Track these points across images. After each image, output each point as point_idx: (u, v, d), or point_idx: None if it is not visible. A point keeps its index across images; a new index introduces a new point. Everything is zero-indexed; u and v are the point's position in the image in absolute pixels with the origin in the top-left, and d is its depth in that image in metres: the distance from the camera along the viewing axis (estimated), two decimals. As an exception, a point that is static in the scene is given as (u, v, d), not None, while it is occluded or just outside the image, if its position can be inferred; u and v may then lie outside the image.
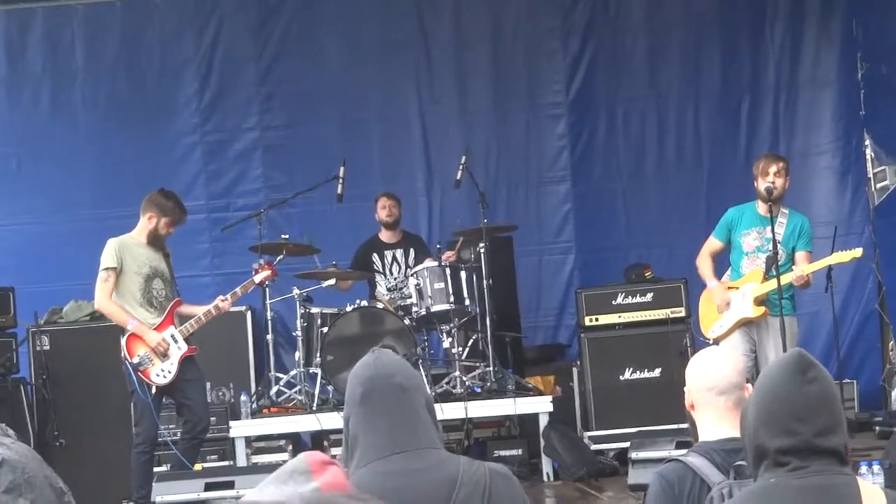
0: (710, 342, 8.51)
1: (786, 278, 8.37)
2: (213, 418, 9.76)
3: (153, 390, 8.42)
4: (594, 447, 9.81)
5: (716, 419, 3.82)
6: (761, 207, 8.65)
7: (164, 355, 8.43)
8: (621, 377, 10.29)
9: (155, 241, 8.63)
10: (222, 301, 8.75)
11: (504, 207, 11.94)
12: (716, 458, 3.65)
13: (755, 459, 2.90)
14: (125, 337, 8.44)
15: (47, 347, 10.14)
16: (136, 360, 8.39)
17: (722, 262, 8.99)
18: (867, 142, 11.90)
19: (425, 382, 3.23)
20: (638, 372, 10.24)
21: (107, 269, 8.45)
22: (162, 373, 8.44)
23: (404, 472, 3.01)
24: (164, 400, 8.69)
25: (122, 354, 8.43)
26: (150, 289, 8.55)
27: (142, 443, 8.43)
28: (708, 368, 3.86)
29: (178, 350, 8.51)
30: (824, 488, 2.81)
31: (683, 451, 3.90)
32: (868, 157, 11.93)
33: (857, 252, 8.68)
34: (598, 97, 12.15)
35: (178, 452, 8.48)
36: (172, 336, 8.51)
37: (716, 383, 3.80)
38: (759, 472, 2.89)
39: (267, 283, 9.30)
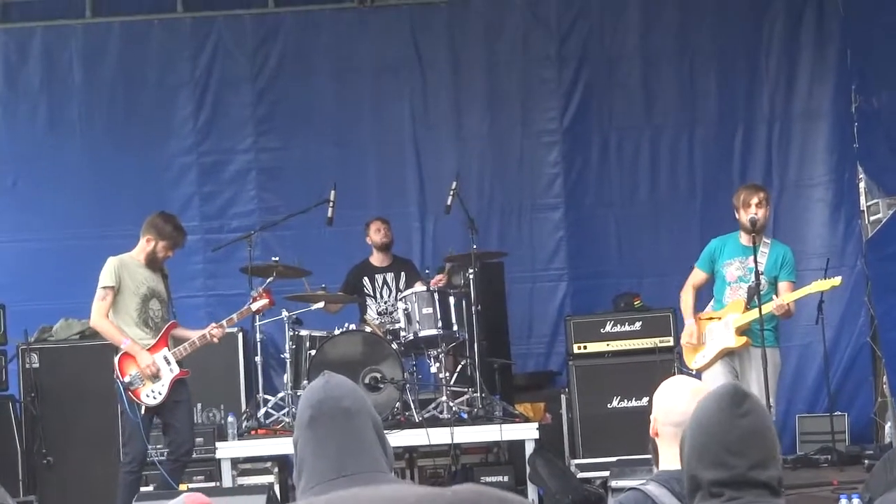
0: (694, 373, 8.53)
1: (767, 308, 8.38)
2: (200, 439, 9.78)
3: (143, 410, 8.44)
4: (581, 475, 9.78)
5: (677, 451, 3.82)
6: (744, 238, 8.67)
7: (154, 377, 8.45)
8: (609, 405, 10.28)
9: (153, 262, 8.68)
10: (217, 327, 8.79)
11: (497, 233, 11.96)
12: (675, 487, 3.65)
13: (690, 491, 2.92)
14: (118, 356, 8.47)
15: (37, 365, 10.17)
16: (127, 379, 8.42)
17: (707, 293, 9.01)
18: (860, 174, 11.91)
19: (372, 406, 3.22)
20: (626, 400, 10.24)
21: (105, 287, 8.50)
22: (152, 394, 8.47)
23: (347, 497, 3.02)
24: (153, 420, 8.70)
25: (115, 373, 8.45)
26: (146, 309, 8.59)
27: (130, 461, 8.45)
28: (675, 403, 3.85)
29: (171, 372, 8.54)
30: (758, 519, 2.82)
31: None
32: (861, 189, 11.95)
33: (836, 281, 8.72)
34: (592, 125, 12.17)
35: (164, 472, 8.49)
36: (165, 358, 8.54)
37: (682, 419, 3.78)
38: (694, 502, 2.90)
39: (263, 311, 9.34)
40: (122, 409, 8.52)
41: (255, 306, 9.10)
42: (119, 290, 8.51)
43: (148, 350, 8.50)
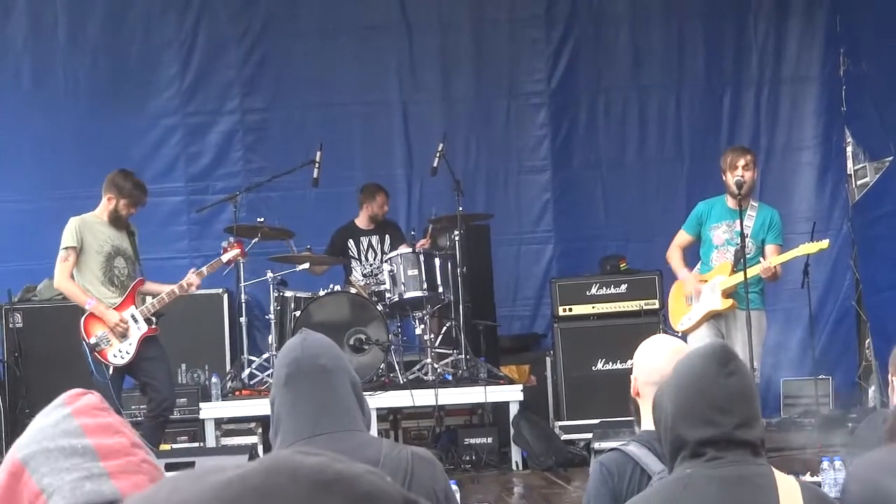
0: (680, 335, 8.52)
1: (753, 271, 8.37)
2: (183, 399, 9.79)
3: (111, 371, 8.39)
4: (565, 437, 9.81)
5: (659, 412, 3.81)
6: (731, 201, 8.66)
7: (122, 335, 8.40)
8: (594, 368, 10.29)
9: (116, 221, 8.60)
10: (196, 274, 8.72)
11: (483, 196, 11.93)
12: (657, 448, 3.65)
13: (672, 450, 2.90)
14: (83, 317, 8.42)
15: (20, 325, 10.15)
16: (93, 340, 8.37)
17: (693, 256, 9.01)
18: (848, 139, 11.90)
19: (350, 365, 3.21)
20: (610, 363, 10.24)
21: (67, 248, 8.43)
22: (119, 353, 8.41)
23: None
24: (125, 380, 8.66)
25: (80, 334, 8.41)
26: (111, 268, 8.52)
27: (103, 422, 8.40)
28: (655, 362, 3.85)
29: (138, 330, 8.48)
30: (741, 478, 2.82)
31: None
32: (848, 153, 11.94)
33: (824, 244, 8.71)
34: (580, 87, 12.13)
35: (140, 434, 8.44)
36: (133, 316, 8.48)
37: (661, 377, 3.79)
38: (675, 463, 2.89)
39: (234, 262, 9.27)
40: (90, 371, 8.46)
41: (225, 257, 9.02)
42: (82, 249, 8.44)
43: (114, 309, 8.44)
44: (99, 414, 1.67)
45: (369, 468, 1.22)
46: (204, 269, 8.83)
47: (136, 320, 8.48)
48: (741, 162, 8.59)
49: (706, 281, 8.69)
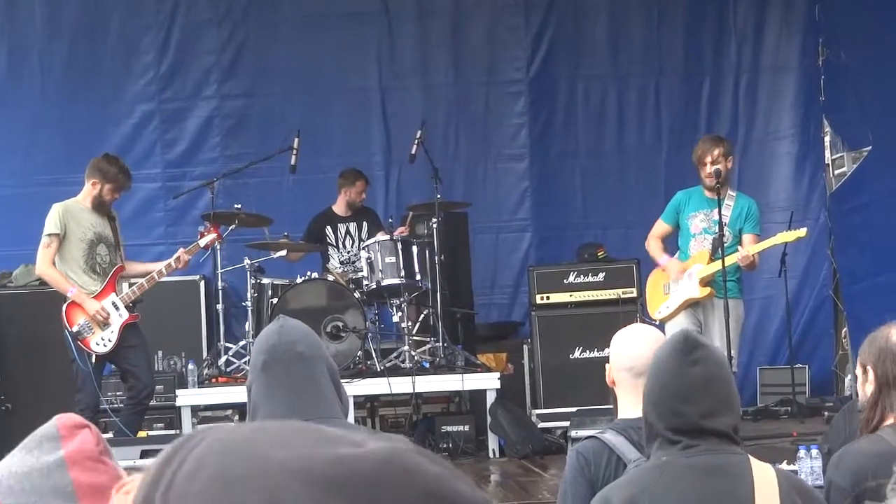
0: (657, 323, 8.53)
1: (731, 259, 8.38)
2: (160, 386, 9.74)
3: (93, 359, 8.36)
4: (542, 425, 9.80)
5: (634, 399, 3.81)
6: (708, 191, 8.66)
7: (104, 324, 8.37)
8: (571, 356, 10.29)
9: (100, 206, 8.56)
10: (186, 252, 8.70)
11: (461, 183, 11.90)
12: (633, 436, 3.66)
13: (648, 437, 2.91)
14: (65, 305, 8.39)
15: (-5, 312, 10.07)
16: (75, 328, 8.34)
17: (672, 246, 9.02)
18: (826, 128, 11.92)
19: (328, 352, 3.19)
20: (588, 351, 10.24)
21: (50, 234, 8.39)
22: (102, 341, 8.39)
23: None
24: (106, 367, 8.64)
25: (63, 323, 8.38)
26: (93, 255, 8.49)
27: (84, 409, 8.38)
28: (627, 348, 3.87)
29: (119, 318, 8.46)
30: (716, 466, 2.82)
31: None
32: (826, 143, 11.96)
33: (802, 232, 8.72)
34: (559, 75, 12.11)
35: (120, 422, 8.43)
36: (113, 303, 8.45)
37: (634, 363, 3.80)
38: (651, 450, 2.89)
39: (211, 246, 9.23)
40: (72, 358, 8.43)
41: (203, 241, 8.98)
42: (65, 236, 8.40)
43: (95, 297, 8.41)
44: (95, 467, 1.58)
45: (486, 496, 1.15)
46: (182, 253, 8.80)
47: (116, 308, 8.46)
48: (708, 158, 8.57)
49: (685, 269, 8.70)
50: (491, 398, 9.49)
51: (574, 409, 9.20)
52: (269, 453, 1.12)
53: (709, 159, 8.54)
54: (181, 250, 8.73)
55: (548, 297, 10.45)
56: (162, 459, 1.17)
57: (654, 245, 8.97)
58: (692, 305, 8.67)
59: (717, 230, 8.53)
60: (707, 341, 2.98)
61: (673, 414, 2.82)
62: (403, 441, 1.15)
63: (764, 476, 2.82)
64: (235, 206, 9.89)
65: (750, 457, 2.88)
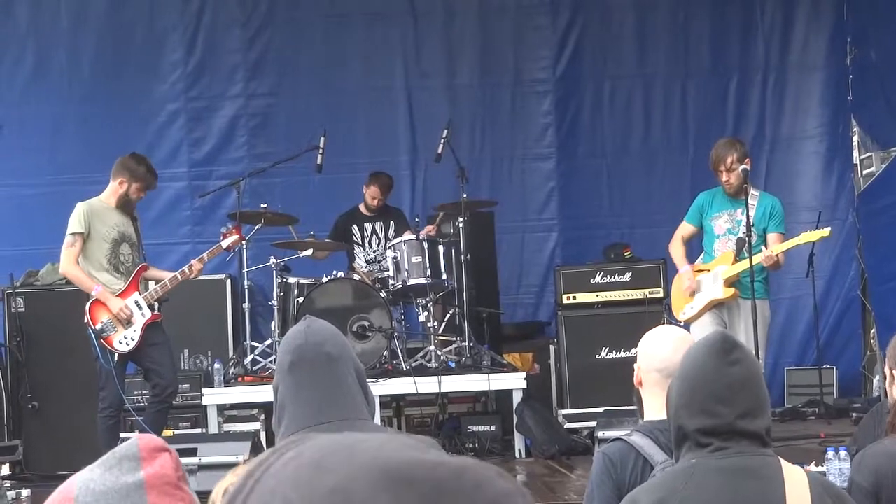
0: (682, 324, 8.49)
1: (755, 259, 8.31)
2: (186, 385, 9.75)
3: (116, 357, 8.37)
4: (568, 425, 9.77)
5: (662, 400, 3.79)
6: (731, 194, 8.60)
7: (127, 322, 8.38)
8: (597, 356, 10.26)
9: (125, 205, 8.56)
10: (198, 261, 8.70)
11: (488, 183, 11.89)
12: (660, 438, 3.63)
13: (677, 440, 2.88)
14: (89, 303, 8.40)
15: (22, 310, 10.08)
16: (98, 326, 8.34)
17: (698, 246, 8.97)
18: (854, 128, 11.86)
19: (354, 352, 3.17)
20: (614, 351, 10.22)
21: (74, 233, 8.39)
22: (125, 340, 8.39)
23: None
24: (128, 366, 8.64)
25: (86, 321, 8.38)
26: (117, 254, 8.49)
27: (107, 407, 8.40)
28: (657, 349, 3.84)
29: (142, 317, 8.46)
30: (746, 469, 2.79)
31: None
32: (854, 143, 11.90)
33: (825, 231, 8.65)
34: (586, 74, 12.09)
35: (144, 421, 8.42)
36: (136, 302, 8.45)
37: (664, 365, 3.77)
38: (681, 453, 2.86)
39: (235, 248, 9.22)
40: (95, 356, 8.44)
41: (225, 243, 8.97)
42: (89, 235, 8.40)
43: (118, 295, 8.41)
44: (174, 493, 1.56)
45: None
46: (205, 255, 8.80)
47: (139, 307, 8.45)
48: (722, 166, 8.48)
49: (708, 271, 8.64)
50: (517, 398, 9.47)
51: (601, 410, 9.17)
52: (363, 447, 1.31)
53: (723, 167, 8.48)
54: (194, 260, 8.72)
55: (574, 297, 10.42)
56: (259, 457, 1.41)
57: (676, 250, 8.89)
58: (717, 306, 8.62)
59: (740, 231, 8.47)
60: (742, 342, 2.95)
61: (706, 415, 2.79)
62: (478, 461, 1.30)
63: (795, 479, 2.79)
64: (261, 205, 9.89)
65: (781, 459, 2.85)
